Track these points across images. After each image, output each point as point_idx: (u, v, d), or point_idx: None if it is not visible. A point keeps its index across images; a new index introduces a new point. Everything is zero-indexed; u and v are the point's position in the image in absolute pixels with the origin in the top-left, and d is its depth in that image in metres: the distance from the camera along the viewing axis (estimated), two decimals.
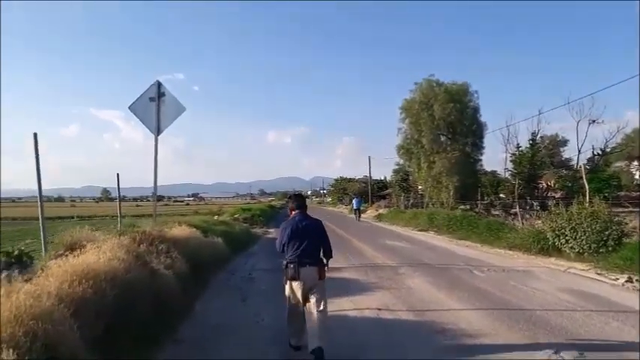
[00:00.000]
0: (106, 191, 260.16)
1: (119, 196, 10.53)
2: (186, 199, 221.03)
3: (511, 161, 35.60)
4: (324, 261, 5.34)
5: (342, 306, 7.26)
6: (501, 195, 36.72)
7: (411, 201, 42.05)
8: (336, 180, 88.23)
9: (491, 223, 18.62)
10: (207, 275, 9.24)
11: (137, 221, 11.11)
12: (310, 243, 5.14)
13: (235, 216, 27.33)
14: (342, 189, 78.59)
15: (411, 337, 5.71)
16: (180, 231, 9.87)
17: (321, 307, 5.03)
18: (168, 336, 5.31)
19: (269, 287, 8.82)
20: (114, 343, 4.14)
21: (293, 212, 5.46)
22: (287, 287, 5.15)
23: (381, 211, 43.34)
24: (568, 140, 35.94)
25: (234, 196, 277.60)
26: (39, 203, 6.38)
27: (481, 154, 37.09)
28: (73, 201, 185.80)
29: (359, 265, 11.62)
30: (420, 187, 47.45)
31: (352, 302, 7.50)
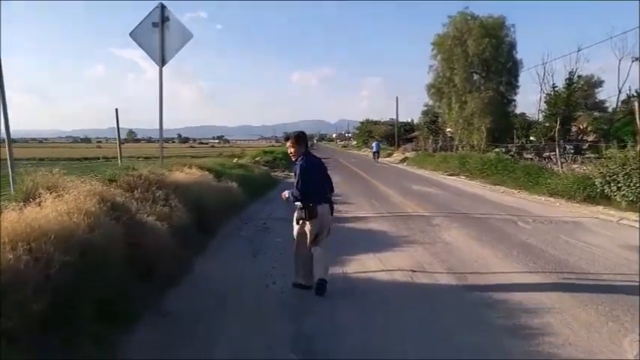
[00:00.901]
0: (131, 132, 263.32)
1: (118, 134, 9.44)
2: (212, 141, 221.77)
3: (545, 102, 33.62)
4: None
5: (369, 265, 6.15)
6: (531, 138, 35.27)
7: (440, 144, 40.32)
8: (362, 123, 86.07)
9: (529, 167, 17.14)
10: (216, 225, 8.19)
11: (150, 163, 10.26)
12: (322, 181, 5.26)
13: (256, 159, 26.28)
14: (368, 132, 76.68)
15: (453, 310, 4.56)
16: (185, 175, 8.76)
17: (325, 243, 5.22)
18: (152, 308, 4.28)
19: (285, 239, 7.74)
20: (65, 326, 3.10)
21: (297, 153, 5.23)
22: (300, 227, 5.20)
23: (407, 154, 41.81)
24: (603, 81, 33.20)
25: (258, 139, 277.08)
26: (7, 143, 5.32)
27: (515, 93, 35.11)
28: (99, 142, 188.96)
29: (387, 213, 10.48)
30: (448, 129, 45.53)
31: (380, 261, 6.37)
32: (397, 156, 42.69)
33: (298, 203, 5.06)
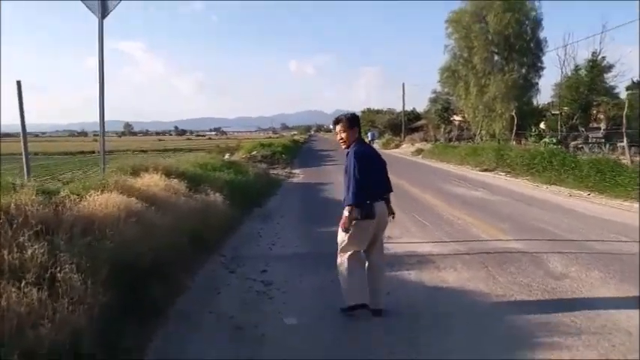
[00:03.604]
0: (128, 125, 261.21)
1: (22, 118, 5.63)
2: (208, 133, 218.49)
3: (566, 86, 30.27)
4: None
5: None
6: (541, 126, 32.31)
7: (455, 133, 36.58)
8: (363, 112, 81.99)
9: (600, 162, 13.37)
10: (173, 288, 4.42)
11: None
12: (380, 174, 4.30)
13: (252, 153, 22.48)
14: (370, 122, 72.76)
15: None
16: (119, 199, 4.88)
17: (382, 254, 4.32)
18: None
19: (307, 313, 4.12)
20: None
21: (350, 139, 4.20)
22: (352, 231, 3.93)
23: (418, 145, 38.13)
24: (613, 65, 29.12)
25: (256, 130, 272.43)
26: None
27: (539, 76, 31.50)
28: (96, 135, 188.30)
29: (452, 242, 6.65)
30: (457, 118, 41.85)
31: None
32: (407, 147, 38.87)
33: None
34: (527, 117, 29.23)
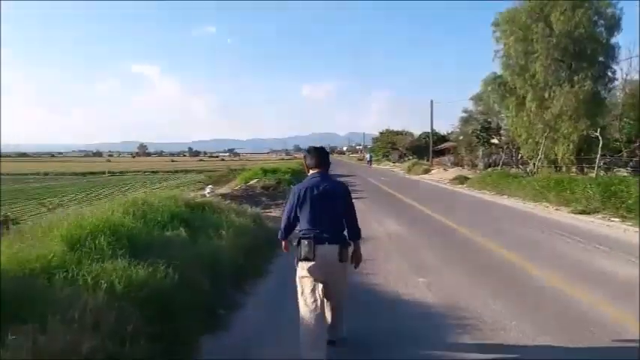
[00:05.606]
0: (142, 146, 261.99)
1: None
2: (222, 154, 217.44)
3: (630, 104, 24.60)
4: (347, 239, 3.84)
5: None
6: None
7: (500, 157, 30.52)
8: (382, 133, 76.52)
9: None
10: None
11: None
12: (331, 213, 3.72)
13: (250, 183, 16.72)
14: (391, 143, 67.16)
15: None
16: None
17: (340, 302, 3.90)
18: None
19: None
20: None
21: (310, 171, 3.96)
22: (299, 273, 3.70)
23: (453, 170, 32.26)
24: None
25: (268, 152, 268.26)
26: None
27: (608, 90, 25.55)
28: (111, 156, 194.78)
29: None
30: (494, 140, 35.90)
31: None
32: (440, 173, 32.88)
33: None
34: (594, 138, 23.37)
